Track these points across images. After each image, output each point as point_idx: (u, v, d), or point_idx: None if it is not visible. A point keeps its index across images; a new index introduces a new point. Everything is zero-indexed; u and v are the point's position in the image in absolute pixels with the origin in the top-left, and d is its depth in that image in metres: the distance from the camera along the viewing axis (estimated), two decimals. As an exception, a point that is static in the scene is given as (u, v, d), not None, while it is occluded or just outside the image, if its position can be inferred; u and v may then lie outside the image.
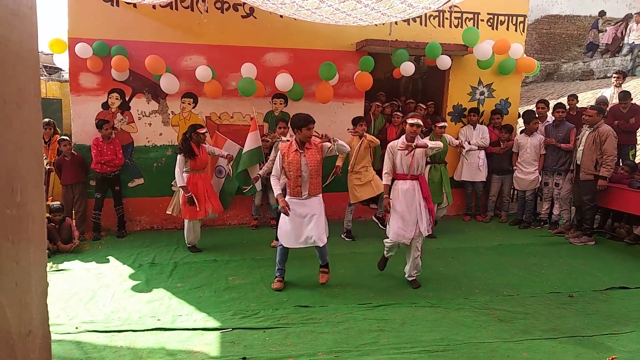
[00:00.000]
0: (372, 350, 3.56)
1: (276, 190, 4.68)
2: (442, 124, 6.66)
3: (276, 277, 4.88)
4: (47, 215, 5.99)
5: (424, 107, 8.01)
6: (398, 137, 5.05)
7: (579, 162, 6.49)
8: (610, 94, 8.14)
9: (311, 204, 4.69)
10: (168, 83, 6.53)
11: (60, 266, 5.45)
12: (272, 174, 4.78)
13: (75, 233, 6.21)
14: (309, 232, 4.66)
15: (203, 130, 5.96)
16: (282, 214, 4.67)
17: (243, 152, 6.75)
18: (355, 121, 6.29)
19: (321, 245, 4.74)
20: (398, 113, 7.78)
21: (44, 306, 0.99)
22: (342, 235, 6.70)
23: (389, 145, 4.88)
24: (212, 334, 3.81)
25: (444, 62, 7.22)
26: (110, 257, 5.80)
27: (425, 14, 7.55)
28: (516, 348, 3.62)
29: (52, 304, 4.25)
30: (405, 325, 3.99)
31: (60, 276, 5.15)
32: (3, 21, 0.86)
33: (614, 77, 8.28)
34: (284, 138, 5.91)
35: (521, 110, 8.68)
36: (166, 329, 3.89)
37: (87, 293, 4.66)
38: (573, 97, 7.77)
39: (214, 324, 3.99)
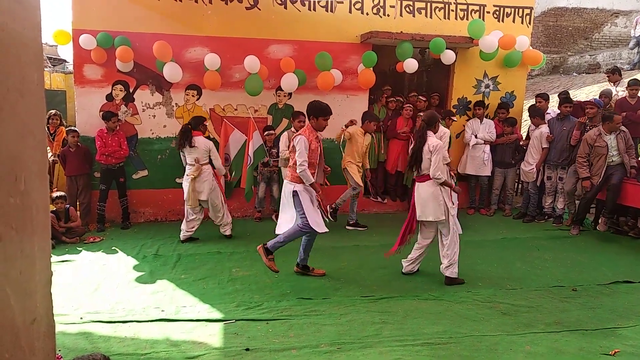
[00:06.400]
0: (374, 342, 3.57)
1: (311, 178, 4.55)
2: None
3: (273, 254, 4.72)
4: (52, 208, 6.02)
5: (424, 99, 7.93)
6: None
7: (612, 164, 6.35)
8: (615, 92, 8.04)
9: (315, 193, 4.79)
10: (171, 71, 6.52)
11: (65, 257, 5.48)
12: (303, 164, 4.49)
13: (78, 222, 6.25)
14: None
15: (207, 123, 6.07)
16: (305, 205, 4.58)
17: (251, 153, 6.82)
18: (371, 119, 6.64)
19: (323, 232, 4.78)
20: (409, 105, 7.73)
21: (48, 295, 0.99)
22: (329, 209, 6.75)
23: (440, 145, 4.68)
24: (216, 325, 3.83)
25: (448, 56, 7.16)
26: (114, 249, 5.83)
27: (431, 6, 7.50)
28: (519, 341, 3.62)
29: (57, 294, 4.28)
30: (407, 318, 3.99)
31: (64, 267, 5.19)
32: (6, 9, 0.86)
33: (607, 77, 8.21)
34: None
35: (527, 103, 8.62)
36: (170, 320, 3.91)
37: (91, 284, 4.69)
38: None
39: (218, 315, 4.01)
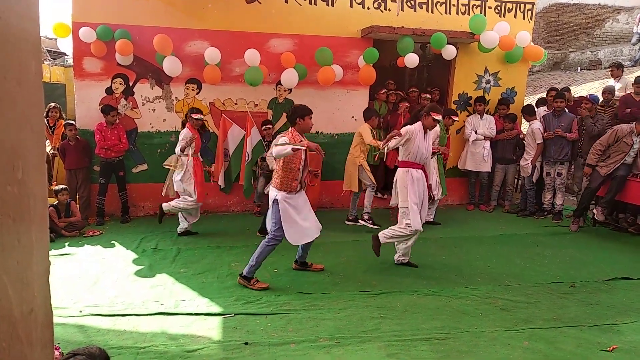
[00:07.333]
0: (373, 337, 3.58)
1: (287, 147, 4.16)
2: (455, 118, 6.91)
3: (254, 278, 4.49)
4: (54, 201, 6.02)
5: (429, 96, 7.91)
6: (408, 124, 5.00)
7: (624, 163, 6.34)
8: (618, 87, 8.03)
9: (303, 197, 4.63)
10: (171, 65, 6.50)
11: (64, 251, 5.48)
12: (284, 144, 4.23)
13: (78, 216, 6.25)
14: (312, 225, 4.62)
15: (197, 116, 5.87)
16: (283, 216, 4.38)
17: (249, 150, 6.82)
18: (375, 114, 6.52)
19: (318, 235, 4.71)
20: (406, 104, 7.68)
21: (46, 285, 0.99)
22: (364, 222, 6.62)
23: (408, 129, 4.76)
24: (215, 319, 3.83)
25: (449, 51, 7.14)
26: (114, 242, 5.83)
27: (432, 1, 7.47)
28: (517, 337, 3.62)
29: (56, 288, 4.28)
30: (406, 313, 4.00)
31: (64, 260, 5.19)
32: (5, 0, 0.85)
33: (609, 71, 8.19)
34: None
35: (527, 100, 8.61)
36: (169, 314, 3.91)
37: (91, 277, 4.69)
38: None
39: (217, 309, 4.01)
